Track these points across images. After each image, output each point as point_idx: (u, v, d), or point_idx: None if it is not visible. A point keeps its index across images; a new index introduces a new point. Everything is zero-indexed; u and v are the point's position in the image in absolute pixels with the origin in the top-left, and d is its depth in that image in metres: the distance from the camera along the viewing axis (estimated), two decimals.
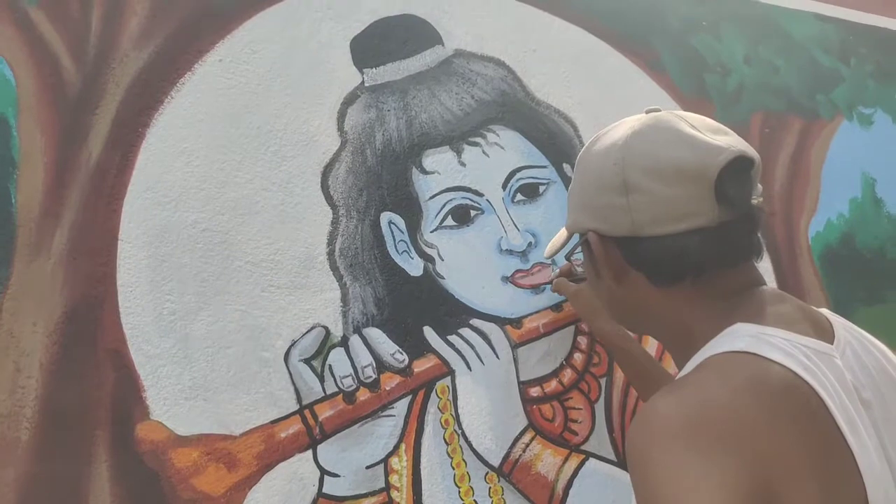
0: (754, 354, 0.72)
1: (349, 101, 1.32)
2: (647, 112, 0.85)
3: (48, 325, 1.04)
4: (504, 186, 1.38)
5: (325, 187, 1.25)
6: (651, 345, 1.43)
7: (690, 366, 0.76)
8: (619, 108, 1.56)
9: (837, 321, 0.83)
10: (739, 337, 0.74)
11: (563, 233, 1.04)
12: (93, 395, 1.04)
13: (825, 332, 0.79)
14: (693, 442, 0.65)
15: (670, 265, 0.80)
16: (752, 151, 0.80)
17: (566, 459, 1.28)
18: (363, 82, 1.33)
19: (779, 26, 1.87)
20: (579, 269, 1.30)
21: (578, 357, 1.36)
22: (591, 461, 1.30)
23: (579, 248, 0.94)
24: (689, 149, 0.77)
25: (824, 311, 0.85)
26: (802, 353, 0.72)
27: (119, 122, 1.15)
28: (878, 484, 0.69)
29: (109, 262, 1.09)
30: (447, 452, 1.21)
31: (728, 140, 0.79)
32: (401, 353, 1.23)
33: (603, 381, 1.36)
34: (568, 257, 1.03)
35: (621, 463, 1.33)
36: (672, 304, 0.82)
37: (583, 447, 1.31)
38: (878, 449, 0.72)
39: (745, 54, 1.79)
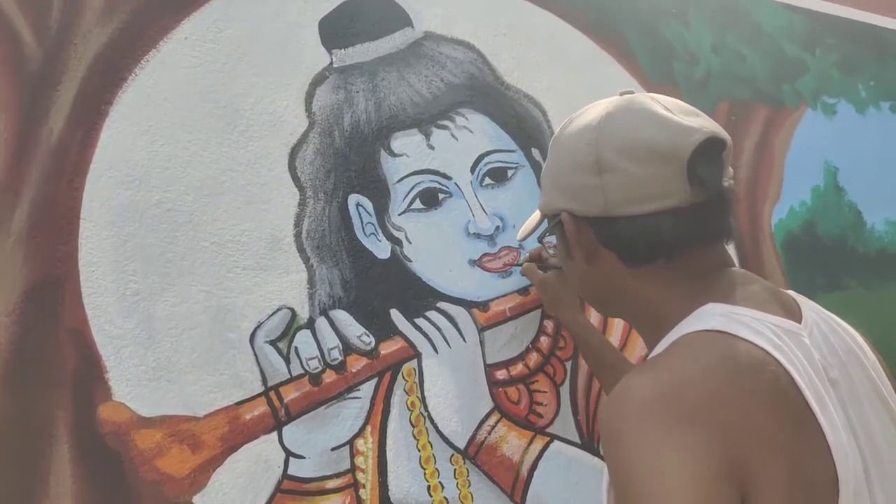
0: (725, 333, 0.73)
1: (317, 81, 1.31)
2: (622, 94, 0.86)
3: (7, 304, 1.02)
4: (472, 170, 1.38)
5: (292, 168, 1.24)
6: (615, 334, 1.44)
7: (662, 346, 0.77)
8: (589, 93, 1.55)
9: (804, 302, 0.85)
10: (710, 316, 0.75)
11: (536, 215, 1.04)
12: (54, 376, 1.02)
13: (793, 312, 0.81)
14: (665, 420, 0.67)
15: (643, 245, 0.81)
16: (723, 133, 0.81)
17: (531, 441, 1.29)
18: (332, 63, 1.32)
19: (746, 15, 1.89)
20: (551, 252, 1.31)
21: (545, 340, 1.37)
22: (556, 443, 1.31)
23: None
24: (662, 129, 0.78)
25: (790, 292, 0.87)
26: (772, 332, 0.74)
27: (81, 98, 1.13)
28: (847, 461, 0.71)
29: (71, 241, 1.08)
30: (413, 434, 1.22)
31: (700, 122, 0.80)
32: (367, 335, 1.23)
33: (568, 365, 1.37)
34: (541, 239, 1.04)
35: (586, 445, 1.34)
36: (643, 284, 0.83)
37: (548, 430, 1.32)
38: (846, 427, 0.74)
39: (713, 43, 1.81)
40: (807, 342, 0.77)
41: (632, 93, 0.86)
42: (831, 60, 1.99)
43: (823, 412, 0.71)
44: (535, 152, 1.45)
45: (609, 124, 0.81)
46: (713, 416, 0.66)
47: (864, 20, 2.10)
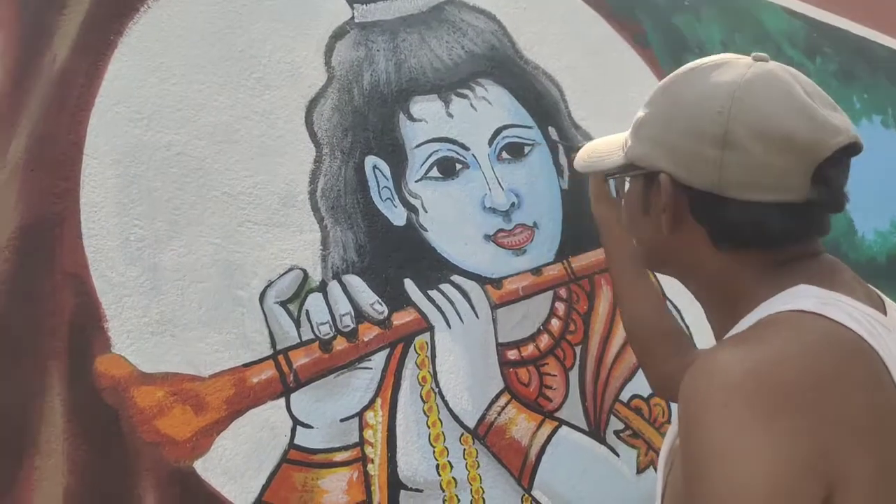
0: (823, 316, 0.68)
1: (338, 35, 1.24)
2: (755, 59, 0.77)
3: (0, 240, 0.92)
4: (490, 143, 1.32)
5: (309, 123, 1.17)
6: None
7: (745, 324, 0.72)
8: (605, 76, 1.53)
9: (885, 297, 0.82)
10: (804, 297, 0.71)
11: (606, 149, 0.91)
12: (48, 322, 0.93)
13: (878, 305, 0.77)
14: (755, 401, 0.62)
15: (745, 232, 0.75)
16: (860, 139, 0.76)
17: (540, 425, 1.24)
18: (353, 17, 1.25)
19: (752, 16, 1.89)
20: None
21: (556, 323, 1.32)
22: (564, 428, 1.27)
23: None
24: (806, 121, 0.71)
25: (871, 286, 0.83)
26: (867, 321, 0.70)
27: (89, 25, 1.04)
28: None
29: (72, 177, 0.98)
30: (423, 410, 1.15)
31: (842, 120, 0.74)
32: (380, 303, 1.16)
33: (578, 349, 1.33)
34: (609, 177, 0.95)
35: (593, 433, 1.30)
36: (728, 265, 0.77)
37: (556, 414, 1.27)
38: None
39: (722, 39, 1.79)
40: None
41: (766, 59, 0.77)
42: (830, 70, 2.01)
43: None
44: (552, 131, 1.41)
45: (747, 97, 0.73)
46: (808, 402, 0.62)
47: (859, 33, 2.13)
